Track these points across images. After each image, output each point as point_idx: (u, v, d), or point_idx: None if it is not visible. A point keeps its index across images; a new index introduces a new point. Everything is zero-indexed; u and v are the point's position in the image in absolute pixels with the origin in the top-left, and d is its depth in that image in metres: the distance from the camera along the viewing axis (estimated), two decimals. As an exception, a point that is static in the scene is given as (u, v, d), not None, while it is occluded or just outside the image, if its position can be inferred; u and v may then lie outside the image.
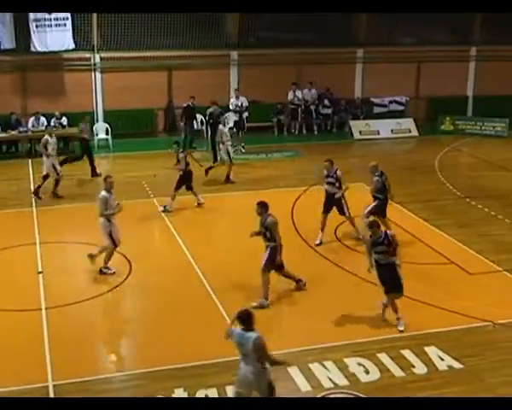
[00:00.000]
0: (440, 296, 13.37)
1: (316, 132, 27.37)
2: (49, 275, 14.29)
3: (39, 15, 24.10)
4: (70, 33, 24.63)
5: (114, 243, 14.36)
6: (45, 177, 19.27)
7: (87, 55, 25.68)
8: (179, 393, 10.32)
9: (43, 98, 24.93)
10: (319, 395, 10.34)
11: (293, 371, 10.90)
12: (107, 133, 25.21)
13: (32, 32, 24.29)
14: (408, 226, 17.02)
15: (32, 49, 24.53)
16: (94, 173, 21.54)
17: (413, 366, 11.12)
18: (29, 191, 19.74)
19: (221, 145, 20.72)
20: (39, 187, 19.28)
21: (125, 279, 14.19)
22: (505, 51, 28.91)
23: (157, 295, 13.56)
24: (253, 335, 8.78)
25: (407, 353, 11.46)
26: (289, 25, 27.02)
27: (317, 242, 16.07)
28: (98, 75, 25.87)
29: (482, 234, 16.60)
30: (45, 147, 19.11)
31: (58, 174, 19.29)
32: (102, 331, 12.47)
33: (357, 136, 26.81)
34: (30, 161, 23.12)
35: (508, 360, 11.35)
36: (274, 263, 13.20)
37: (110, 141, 24.91)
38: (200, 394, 10.32)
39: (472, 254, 15.58)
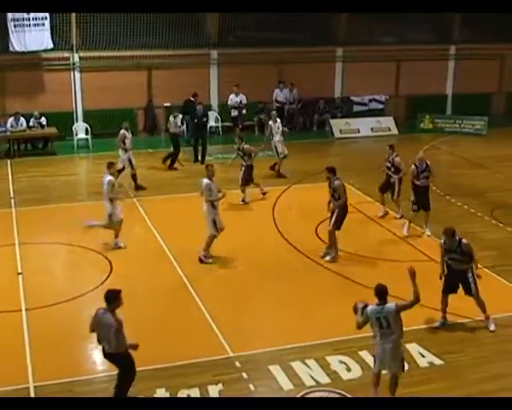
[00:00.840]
0: (421, 293, 13.41)
1: (287, 130, 27.26)
2: (29, 276, 14.19)
3: (17, 15, 23.92)
4: (48, 33, 24.47)
5: (216, 230, 14.75)
6: (120, 170, 19.25)
7: (66, 54, 25.52)
8: (161, 393, 10.31)
9: (22, 98, 24.74)
10: (301, 393, 10.37)
11: (275, 370, 10.93)
12: (86, 133, 25.08)
13: (10, 32, 24.09)
14: (389, 225, 17.12)
15: (11, 49, 24.33)
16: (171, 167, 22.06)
17: (394, 364, 11.16)
18: (8, 192, 19.62)
19: (271, 141, 21.05)
20: (135, 181, 19.71)
21: (106, 279, 14.10)
22: (484, 50, 29.21)
23: (138, 295, 13.47)
24: (391, 303, 9.56)
25: (388, 350, 11.50)
26: (269, 24, 27.06)
27: (380, 214, 17.56)
28: (77, 75, 25.73)
29: (462, 231, 16.50)
30: (123, 141, 19.48)
31: (133, 168, 19.58)
32: (83, 332, 12.32)
33: (337, 134, 26.89)
34: (9, 161, 22.94)
35: (488, 357, 11.45)
36: (341, 223, 14.77)
37: (90, 141, 24.77)
38: (182, 394, 10.31)
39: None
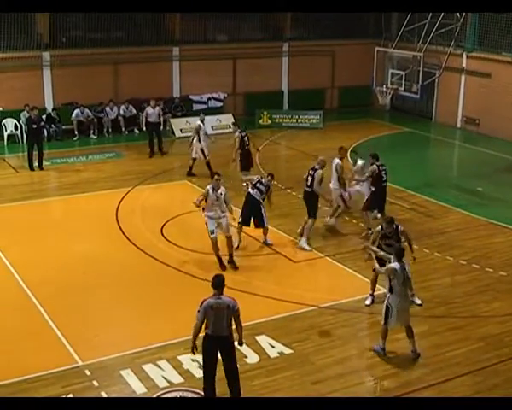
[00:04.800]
0: (267, 286, 13.73)
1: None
2: None
3: None
4: None
5: (346, 204, 16.81)
6: (194, 159, 20.93)
7: None
8: (7, 411, 9.83)
9: None
10: (155, 396, 10.27)
11: (127, 375, 10.75)
12: None
13: None
14: (233, 220, 17.27)
15: None
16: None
17: (246, 357, 11.31)
18: None
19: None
20: (191, 168, 21.06)
21: None
22: (316, 46, 30.32)
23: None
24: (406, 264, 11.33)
25: (239, 344, 11.65)
26: (103, 23, 26.58)
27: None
28: None
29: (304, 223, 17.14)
30: (198, 132, 20.65)
31: (205, 157, 20.83)
32: None
33: (178, 134, 26.85)
34: None
35: (332, 341, 11.92)
36: (371, 205, 16.54)
37: None
38: (30, 409, 9.88)
39: (295, 242, 16.07)
